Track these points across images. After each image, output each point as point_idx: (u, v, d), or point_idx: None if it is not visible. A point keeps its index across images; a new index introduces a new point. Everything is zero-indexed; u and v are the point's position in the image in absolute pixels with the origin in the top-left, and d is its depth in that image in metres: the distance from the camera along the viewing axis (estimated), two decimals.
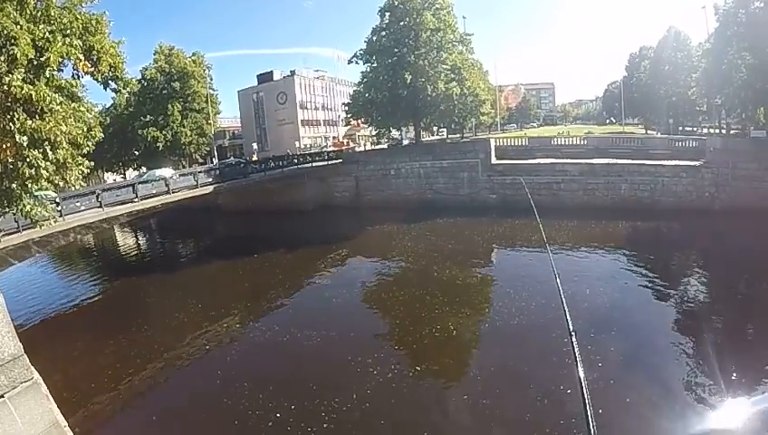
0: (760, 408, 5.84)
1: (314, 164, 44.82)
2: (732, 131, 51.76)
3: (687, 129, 68.89)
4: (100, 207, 23.76)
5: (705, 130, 62.50)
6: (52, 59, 10.16)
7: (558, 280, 7.00)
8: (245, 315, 20.98)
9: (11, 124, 9.87)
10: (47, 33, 10.22)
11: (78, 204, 22.78)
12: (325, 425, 11.54)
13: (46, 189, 12.70)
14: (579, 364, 4.26)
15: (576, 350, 4.65)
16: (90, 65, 11.88)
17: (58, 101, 10.40)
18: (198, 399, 13.77)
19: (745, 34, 29.17)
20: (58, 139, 10.47)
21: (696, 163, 33.35)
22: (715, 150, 32.98)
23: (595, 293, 18.82)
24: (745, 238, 24.15)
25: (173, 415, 13.16)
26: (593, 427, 3.22)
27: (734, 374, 11.82)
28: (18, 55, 9.30)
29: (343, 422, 11.70)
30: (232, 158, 69.61)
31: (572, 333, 5.00)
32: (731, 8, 30.62)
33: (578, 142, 50.69)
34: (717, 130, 56.50)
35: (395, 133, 51.58)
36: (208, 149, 62.90)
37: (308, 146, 75.98)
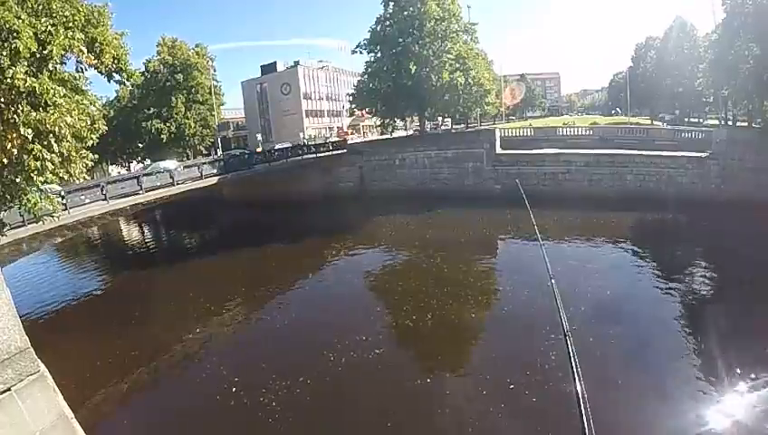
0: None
1: (318, 155, 44.69)
2: (738, 123, 51.26)
3: (693, 120, 68.28)
4: (105, 199, 23.79)
5: (709, 122, 61.80)
6: (54, 52, 10.11)
7: (551, 277, 7.01)
8: (250, 306, 21.14)
9: (15, 117, 9.86)
10: (49, 27, 10.15)
11: (83, 197, 22.80)
12: (317, 406, 12.02)
13: (51, 182, 12.70)
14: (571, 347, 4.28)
15: (571, 348, 4.67)
16: (93, 57, 11.82)
17: (62, 94, 10.36)
18: (203, 390, 13.85)
19: (752, 25, 28.77)
20: (63, 131, 10.45)
21: (702, 154, 33.15)
22: (722, 142, 32.78)
23: (597, 285, 18.81)
24: (751, 231, 23.96)
25: (178, 406, 13.30)
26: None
27: (737, 369, 11.79)
28: (21, 48, 9.24)
29: (337, 407, 11.97)
30: (256, 147, 69.15)
31: (567, 334, 5.03)
32: None
33: (583, 132, 50.46)
34: (723, 122, 55.94)
35: (398, 123, 51.34)
36: (212, 140, 62.87)
37: (312, 136, 75.77)
